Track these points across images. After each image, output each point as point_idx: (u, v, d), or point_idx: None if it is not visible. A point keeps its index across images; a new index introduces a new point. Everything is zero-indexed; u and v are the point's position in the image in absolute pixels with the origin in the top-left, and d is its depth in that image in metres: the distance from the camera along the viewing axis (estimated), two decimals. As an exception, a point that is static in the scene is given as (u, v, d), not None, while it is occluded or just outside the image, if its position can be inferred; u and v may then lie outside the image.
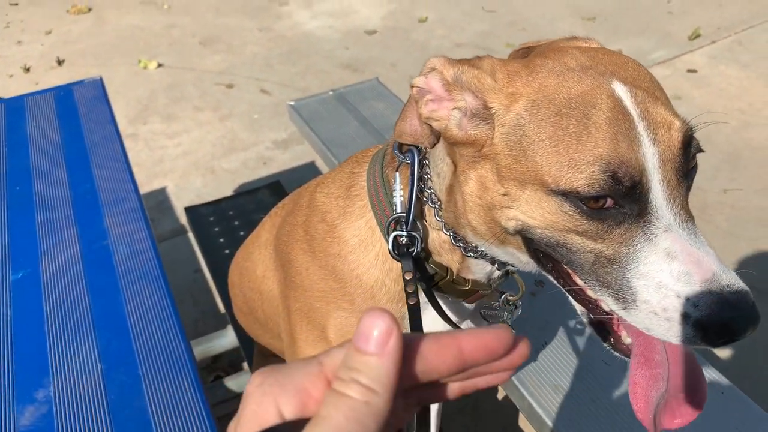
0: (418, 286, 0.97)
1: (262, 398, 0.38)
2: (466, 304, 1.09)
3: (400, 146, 0.98)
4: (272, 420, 0.38)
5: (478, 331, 0.42)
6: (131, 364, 1.25)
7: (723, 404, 1.34)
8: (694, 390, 0.80)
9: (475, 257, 0.95)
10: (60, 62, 4.79)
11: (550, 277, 0.88)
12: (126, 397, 1.19)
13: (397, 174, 0.97)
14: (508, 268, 0.98)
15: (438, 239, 0.97)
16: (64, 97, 2.23)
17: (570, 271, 0.83)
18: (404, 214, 0.94)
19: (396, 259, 0.95)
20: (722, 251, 2.82)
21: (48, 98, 2.23)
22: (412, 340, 0.40)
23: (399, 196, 0.96)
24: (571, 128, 0.74)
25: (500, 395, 2.15)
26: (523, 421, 1.63)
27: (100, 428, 1.14)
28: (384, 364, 0.37)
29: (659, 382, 0.79)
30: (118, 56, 4.86)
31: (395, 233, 0.94)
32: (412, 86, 0.86)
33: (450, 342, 0.41)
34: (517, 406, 1.47)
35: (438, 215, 0.94)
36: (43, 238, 1.59)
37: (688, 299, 0.70)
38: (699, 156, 0.79)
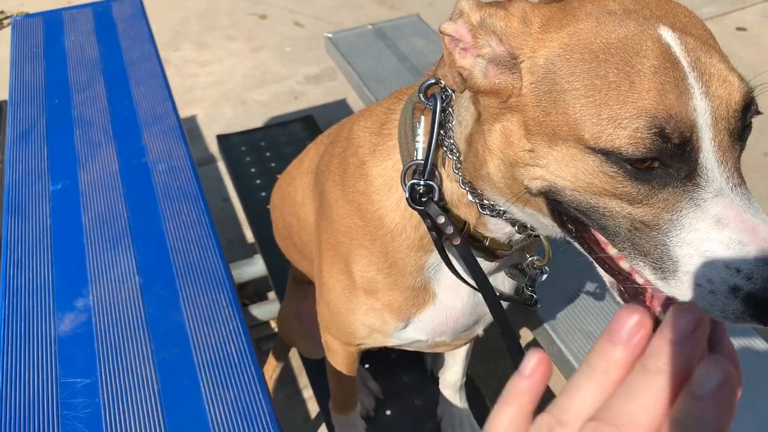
0: (435, 239, 0.92)
1: None
2: (487, 262, 1.02)
3: (427, 88, 0.92)
4: None
5: None
6: (169, 278, 1.25)
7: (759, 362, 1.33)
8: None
9: (491, 215, 0.89)
10: (93, -17, 4.72)
11: (576, 244, 0.81)
12: (163, 310, 1.20)
13: (422, 118, 0.93)
14: (529, 231, 0.92)
15: (456, 192, 0.92)
16: (102, 13, 2.19)
17: (600, 239, 0.76)
18: (423, 162, 0.90)
19: (413, 208, 0.91)
20: (759, 214, 2.75)
21: (86, 13, 2.19)
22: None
23: (420, 143, 0.92)
24: (611, 76, 0.66)
25: (526, 339, 2.16)
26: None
27: (138, 339, 1.16)
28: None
29: None
30: (151, -20, 4.77)
31: (412, 182, 0.90)
32: (441, 32, 0.78)
33: None
34: (546, 351, 1.46)
35: (456, 167, 0.89)
36: (81, 151, 1.59)
37: (739, 270, 0.63)
38: None
